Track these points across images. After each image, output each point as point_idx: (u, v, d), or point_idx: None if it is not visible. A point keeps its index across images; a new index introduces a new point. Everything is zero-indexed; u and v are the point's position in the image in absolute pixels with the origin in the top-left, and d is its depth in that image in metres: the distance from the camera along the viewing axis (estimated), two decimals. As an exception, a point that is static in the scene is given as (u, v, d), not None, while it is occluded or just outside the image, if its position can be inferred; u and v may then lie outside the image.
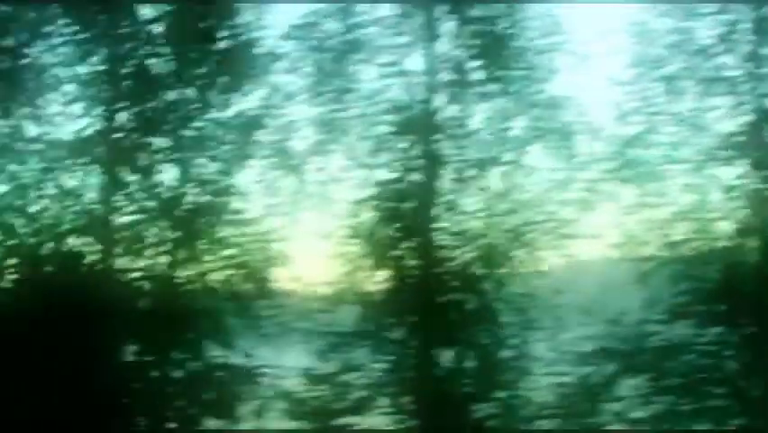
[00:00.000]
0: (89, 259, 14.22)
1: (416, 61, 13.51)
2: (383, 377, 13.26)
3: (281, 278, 13.64)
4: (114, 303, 13.57)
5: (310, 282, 13.63)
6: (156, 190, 14.15)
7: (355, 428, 13.30)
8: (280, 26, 13.70)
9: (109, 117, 14.21)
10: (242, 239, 13.91)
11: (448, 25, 13.40)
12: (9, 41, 14.34)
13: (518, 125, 13.22)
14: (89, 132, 14.24)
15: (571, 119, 12.94)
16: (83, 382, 13.46)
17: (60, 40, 14.36)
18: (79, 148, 14.26)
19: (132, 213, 14.14)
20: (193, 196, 14.01)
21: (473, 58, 13.30)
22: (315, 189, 13.63)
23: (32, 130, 14.31)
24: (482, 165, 13.34)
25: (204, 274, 13.96)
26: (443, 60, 13.42)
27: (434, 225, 13.30)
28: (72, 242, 14.26)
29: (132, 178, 14.23)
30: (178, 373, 13.80)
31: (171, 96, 14.20)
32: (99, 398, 13.50)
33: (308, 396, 13.36)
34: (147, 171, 14.23)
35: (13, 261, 14.15)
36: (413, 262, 13.32)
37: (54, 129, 14.36)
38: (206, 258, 14.00)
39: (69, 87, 14.37)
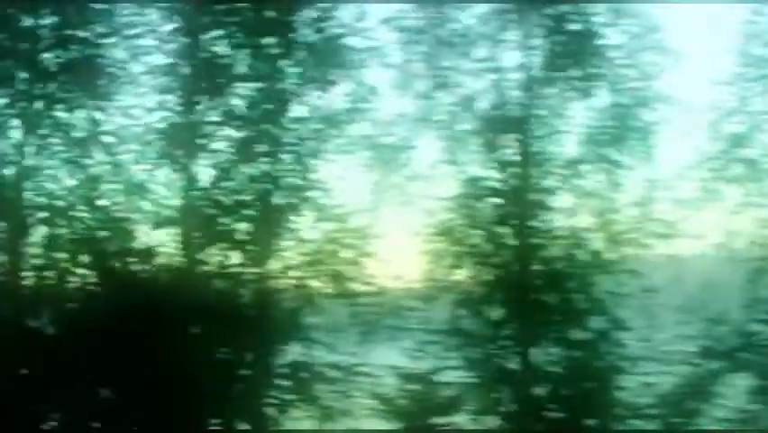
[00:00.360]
0: (164, 255, 13.93)
1: (509, 58, 13.39)
2: (475, 376, 13.03)
3: (370, 275, 13.40)
4: (191, 300, 13.27)
5: (400, 280, 13.39)
6: (235, 185, 13.88)
7: (446, 427, 13.06)
8: (373, 20, 13.50)
9: (186, 111, 13.93)
10: (328, 235, 13.67)
11: (543, 22, 13.22)
12: (85, 33, 14.06)
13: (614, 123, 13.06)
14: (165, 125, 13.95)
15: (671, 117, 12.83)
16: (158, 381, 13.17)
17: (138, 31, 14.05)
18: (155, 141, 13.96)
19: (209, 208, 13.82)
20: (276, 191, 13.74)
21: (568, 55, 13.14)
22: (405, 185, 13.41)
23: (106, 122, 14.03)
24: (576, 163, 13.20)
25: (287, 270, 13.70)
26: (537, 57, 13.27)
27: (528, 224, 13.12)
28: (146, 238, 14.00)
29: (211, 172, 13.98)
30: (258, 371, 13.54)
31: (252, 89, 13.95)
32: (176, 396, 13.21)
33: (399, 395, 13.10)
34: (226, 166, 13.97)
35: (84, 257, 13.85)
36: (506, 260, 13.14)
37: (129, 122, 14.07)
38: (289, 254, 13.75)
39: (147, 80, 14.10)
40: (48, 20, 14.13)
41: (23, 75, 13.85)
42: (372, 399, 13.12)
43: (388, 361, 13.18)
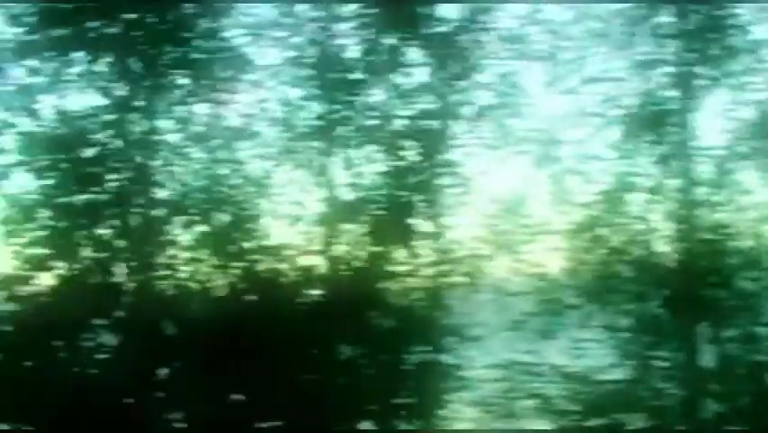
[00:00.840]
0: (295, 253, 13.58)
1: (662, 52, 13.22)
2: (635, 374, 12.84)
3: (522, 270, 13.18)
4: (328, 299, 12.98)
5: (552, 276, 13.16)
6: (369, 181, 13.59)
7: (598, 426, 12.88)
8: (522, 12, 13.28)
9: (318, 105, 13.61)
10: (473, 232, 13.43)
11: (696, 16, 13.12)
12: (209, 24, 13.67)
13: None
14: (295, 120, 13.61)
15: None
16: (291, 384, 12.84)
17: (267, 23, 13.72)
18: (284, 137, 13.63)
19: (342, 204, 13.52)
20: (414, 187, 13.46)
21: (722, 49, 13.07)
22: (555, 180, 13.21)
23: (233, 118, 13.65)
24: (731, 158, 13.11)
25: (430, 267, 13.42)
26: (690, 52, 13.16)
27: (685, 218, 13.00)
28: (276, 236, 13.63)
29: (344, 168, 13.66)
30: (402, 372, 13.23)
31: (385, 83, 13.67)
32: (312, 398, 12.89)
33: (557, 394, 12.88)
34: (358, 161, 13.68)
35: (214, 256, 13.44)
36: (663, 257, 13.00)
37: (258, 117, 13.69)
38: (432, 251, 13.45)
39: (277, 74, 13.75)
40: (170, 13, 13.67)
41: (144, 69, 13.39)
42: (529, 398, 12.83)
43: (543, 359, 12.92)
